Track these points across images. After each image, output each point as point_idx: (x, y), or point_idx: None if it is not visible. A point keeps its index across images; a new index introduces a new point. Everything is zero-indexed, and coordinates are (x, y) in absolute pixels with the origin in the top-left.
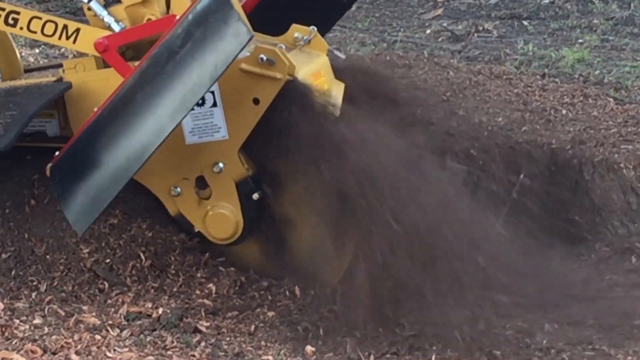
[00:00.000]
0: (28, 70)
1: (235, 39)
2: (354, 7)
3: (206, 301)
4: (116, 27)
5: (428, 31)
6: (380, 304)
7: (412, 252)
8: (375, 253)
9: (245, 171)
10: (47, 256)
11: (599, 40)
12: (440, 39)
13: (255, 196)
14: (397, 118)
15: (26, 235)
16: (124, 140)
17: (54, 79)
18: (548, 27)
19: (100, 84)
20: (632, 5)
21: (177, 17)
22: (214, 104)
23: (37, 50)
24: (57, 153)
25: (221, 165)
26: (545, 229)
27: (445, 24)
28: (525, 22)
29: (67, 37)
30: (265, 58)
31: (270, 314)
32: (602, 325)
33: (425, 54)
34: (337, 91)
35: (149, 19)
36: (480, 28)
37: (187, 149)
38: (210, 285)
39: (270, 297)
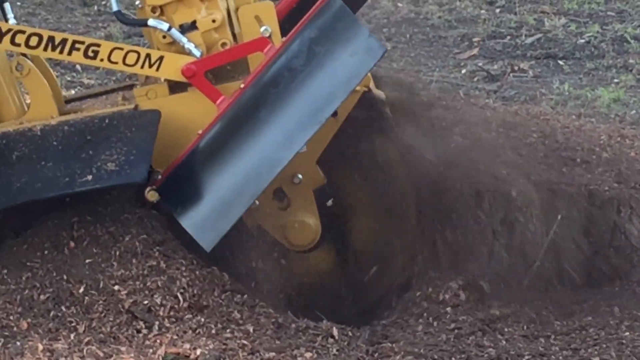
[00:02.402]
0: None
1: (368, 53)
2: (389, 47)
3: (244, 341)
4: (197, 53)
5: (464, 71)
6: None
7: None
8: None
9: (322, 180)
10: (86, 297)
11: (634, 79)
12: (475, 79)
13: (329, 203)
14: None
15: (65, 277)
16: (251, 155)
17: (130, 106)
18: (584, 66)
19: (177, 109)
20: None
21: (284, 38)
22: None
23: (72, 92)
24: (159, 176)
25: (300, 176)
26: (581, 269)
27: (480, 64)
28: (560, 62)
29: (150, 65)
30: None
31: (308, 355)
32: None
33: (461, 94)
34: None
35: (223, 44)
36: (516, 68)
37: None
38: (248, 325)
39: (308, 338)
